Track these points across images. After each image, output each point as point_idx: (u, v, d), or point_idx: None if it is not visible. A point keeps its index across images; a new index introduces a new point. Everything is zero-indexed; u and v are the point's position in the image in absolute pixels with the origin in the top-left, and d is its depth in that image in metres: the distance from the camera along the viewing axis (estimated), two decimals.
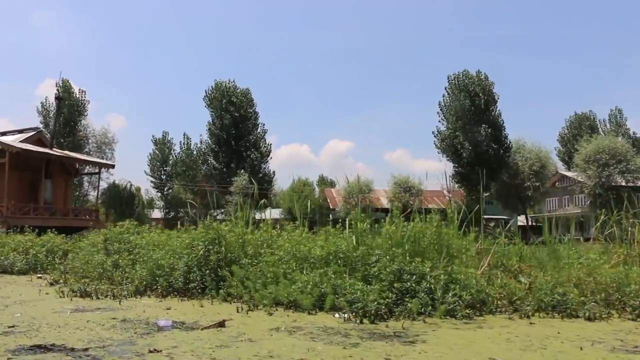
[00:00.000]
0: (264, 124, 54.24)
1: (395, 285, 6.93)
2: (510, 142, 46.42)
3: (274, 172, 53.64)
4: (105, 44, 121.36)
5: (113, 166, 40.80)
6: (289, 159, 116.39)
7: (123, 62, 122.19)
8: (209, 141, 53.71)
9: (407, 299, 6.74)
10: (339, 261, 8.05)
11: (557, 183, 52.74)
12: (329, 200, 52.65)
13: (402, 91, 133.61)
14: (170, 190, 51.92)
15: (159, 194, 53.52)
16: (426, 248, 8.27)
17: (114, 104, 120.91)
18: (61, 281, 10.53)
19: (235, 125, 52.78)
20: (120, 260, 10.06)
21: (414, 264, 7.34)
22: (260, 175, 52.52)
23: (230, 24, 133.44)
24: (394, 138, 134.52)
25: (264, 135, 54.42)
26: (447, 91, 48.48)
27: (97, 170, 40.66)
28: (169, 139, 52.93)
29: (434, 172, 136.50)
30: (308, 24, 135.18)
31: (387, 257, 7.58)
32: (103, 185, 47.35)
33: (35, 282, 11.01)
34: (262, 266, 8.15)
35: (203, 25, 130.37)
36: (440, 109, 49.39)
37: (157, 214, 54.19)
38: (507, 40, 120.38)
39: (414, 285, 6.95)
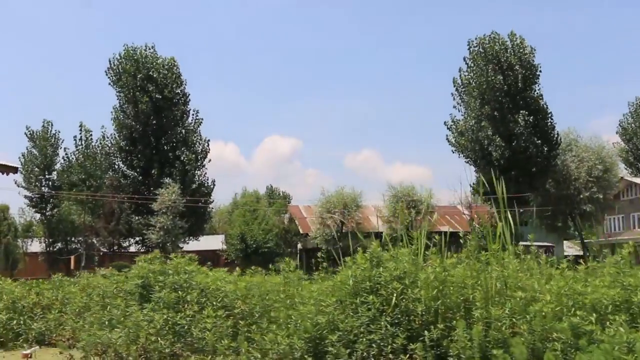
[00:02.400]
0: (197, 111, 40.32)
1: None
2: (559, 135, 34.07)
3: (213, 181, 40.18)
4: None
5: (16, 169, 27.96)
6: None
7: None
8: (117, 136, 38.90)
9: None
10: None
11: (622, 194, 40.73)
12: (297, 222, 38.75)
13: (367, 67, 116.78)
14: (56, 210, 36.34)
15: (39, 216, 37.73)
16: None
17: None
18: None
19: (157, 113, 38.61)
20: (206, 321, 7.82)
21: None
22: (195, 185, 38.22)
23: None
24: (357, 134, 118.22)
25: (199, 127, 40.53)
26: (466, 63, 36.32)
27: None
28: (53, 132, 37.44)
29: (416, 181, 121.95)
30: None
31: None
32: None
33: None
34: None
35: None
36: (457, 89, 37.73)
37: (35, 246, 38.57)
38: None
39: None
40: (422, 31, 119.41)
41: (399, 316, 6.92)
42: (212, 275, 9.73)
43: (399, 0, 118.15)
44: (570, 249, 54.04)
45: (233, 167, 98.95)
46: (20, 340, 10.10)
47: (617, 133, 55.51)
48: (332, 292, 7.83)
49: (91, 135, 39.91)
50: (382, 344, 6.66)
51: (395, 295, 7.02)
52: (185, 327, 7.99)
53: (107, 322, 8.81)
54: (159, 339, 7.80)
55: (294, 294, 8.53)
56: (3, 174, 33.08)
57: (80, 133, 39.79)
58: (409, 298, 7.04)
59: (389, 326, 6.76)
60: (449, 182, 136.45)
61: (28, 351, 8.97)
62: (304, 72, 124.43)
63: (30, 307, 10.60)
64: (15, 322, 10.33)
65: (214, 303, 8.45)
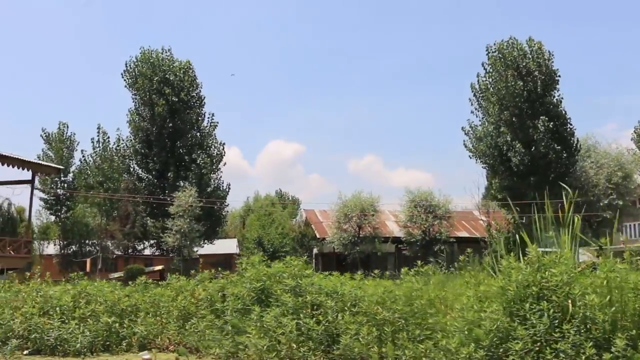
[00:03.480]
0: (212, 115, 40.28)
1: None
2: (578, 142, 33.89)
3: (228, 184, 39.94)
4: None
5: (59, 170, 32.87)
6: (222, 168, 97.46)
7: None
8: (132, 139, 38.67)
9: None
10: None
11: (638, 201, 40.53)
12: (313, 227, 38.60)
13: (370, 74, 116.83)
14: (70, 213, 36.35)
15: (53, 218, 37.72)
16: None
17: None
18: None
19: (173, 116, 38.40)
20: (349, 327, 7.64)
21: None
22: (210, 189, 38.12)
23: None
24: (360, 140, 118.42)
25: (214, 130, 40.41)
26: (485, 68, 35.82)
27: None
28: (68, 134, 37.33)
29: (419, 186, 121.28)
30: None
31: None
32: None
33: None
34: None
35: None
36: (474, 94, 37.13)
37: (51, 248, 38.52)
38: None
39: None
40: (424, 37, 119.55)
41: (578, 324, 6.51)
42: (332, 280, 9.27)
43: (402, 7, 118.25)
44: (583, 255, 53.84)
45: (236, 171, 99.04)
46: (124, 345, 9.68)
47: (631, 139, 55.36)
48: (488, 298, 7.31)
49: (108, 137, 39.92)
50: (571, 353, 6.26)
51: (570, 301, 6.64)
52: (326, 334, 7.58)
53: (230, 328, 8.47)
54: (298, 345, 7.47)
55: (434, 299, 8.13)
56: (49, 175, 33.05)
57: (98, 135, 39.94)
58: (586, 305, 6.61)
59: (572, 334, 6.34)
60: (450, 188, 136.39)
61: (147, 356, 8.67)
62: (308, 77, 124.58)
63: (130, 310, 10.25)
64: (118, 325, 9.88)
65: (351, 309, 8.01)
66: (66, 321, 9.74)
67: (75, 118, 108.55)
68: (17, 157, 28.37)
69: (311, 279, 8.96)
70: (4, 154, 27.40)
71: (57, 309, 10.02)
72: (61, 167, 34.63)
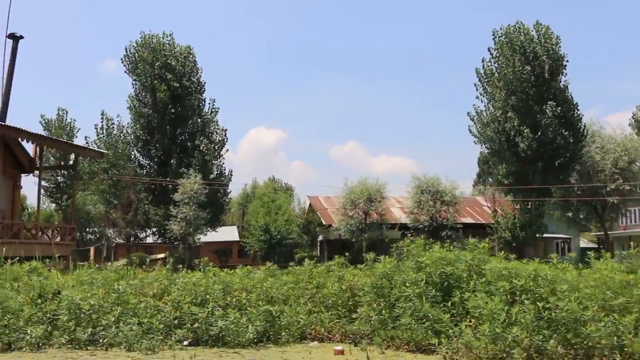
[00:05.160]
0: (213, 100, 39.80)
1: None
2: (585, 126, 34.00)
3: (231, 171, 39.56)
4: None
5: (102, 155, 30.90)
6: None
7: None
8: (134, 125, 38.03)
9: None
10: None
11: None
12: (319, 214, 38.40)
13: (353, 61, 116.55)
14: (70, 200, 35.79)
15: (54, 206, 37.16)
16: None
17: None
18: None
19: (175, 102, 37.73)
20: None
21: None
22: (213, 175, 37.68)
23: None
24: (342, 126, 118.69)
25: (215, 116, 39.89)
26: (491, 53, 35.76)
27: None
28: (68, 120, 36.72)
29: (402, 173, 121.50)
30: None
31: None
32: None
33: None
34: None
35: None
36: (480, 79, 36.94)
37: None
38: None
39: None
40: (407, 25, 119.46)
41: None
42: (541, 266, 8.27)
43: None
44: (582, 241, 54.30)
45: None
46: (283, 335, 8.90)
47: (629, 125, 55.78)
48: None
49: (113, 124, 39.26)
50: None
51: None
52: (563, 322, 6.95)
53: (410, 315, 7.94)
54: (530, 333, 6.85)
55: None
56: (92, 159, 32.63)
57: (102, 122, 39.27)
58: None
59: None
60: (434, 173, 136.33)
61: (340, 347, 8.01)
62: (289, 64, 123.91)
63: (283, 298, 9.52)
64: (280, 313, 9.05)
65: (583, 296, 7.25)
66: (219, 310, 8.85)
67: (73, 104, 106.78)
68: (63, 140, 28.08)
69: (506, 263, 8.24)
70: (52, 137, 27.25)
71: (208, 297, 9.05)
72: (105, 151, 33.53)
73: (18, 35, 23.14)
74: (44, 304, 8.85)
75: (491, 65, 38.48)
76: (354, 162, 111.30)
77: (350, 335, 8.77)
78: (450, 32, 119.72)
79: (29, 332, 8.15)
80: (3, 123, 21.77)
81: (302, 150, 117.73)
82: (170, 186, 38.85)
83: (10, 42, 23.14)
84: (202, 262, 11.30)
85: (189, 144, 40.27)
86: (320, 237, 42.65)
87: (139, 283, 9.72)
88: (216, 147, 41.60)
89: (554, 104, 35.86)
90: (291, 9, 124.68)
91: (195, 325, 8.46)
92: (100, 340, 8.27)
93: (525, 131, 35.82)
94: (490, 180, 45.99)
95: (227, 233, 49.11)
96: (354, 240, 37.11)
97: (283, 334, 8.89)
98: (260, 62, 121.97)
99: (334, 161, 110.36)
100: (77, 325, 8.40)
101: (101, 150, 32.09)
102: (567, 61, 37.09)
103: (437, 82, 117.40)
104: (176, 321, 8.62)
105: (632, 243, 18.45)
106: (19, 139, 22.90)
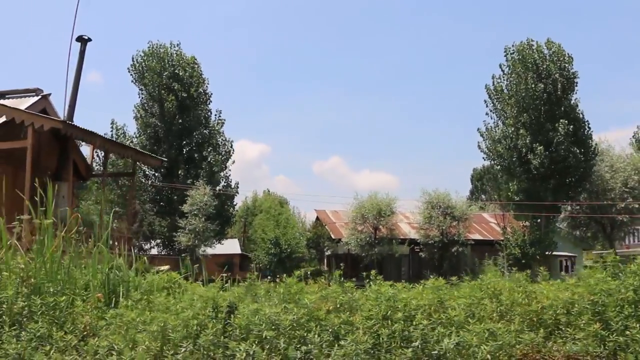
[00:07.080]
0: (220, 111, 39.41)
1: None
2: (596, 144, 34.25)
3: (237, 183, 38.96)
4: None
5: (162, 162, 28.80)
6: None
7: None
8: (141, 135, 37.56)
9: None
10: None
11: None
12: (327, 228, 38.12)
13: (336, 76, 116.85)
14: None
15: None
16: None
17: None
18: None
19: (182, 112, 37.27)
20: None
21: None
22: (220, 187, 37.33)
23: None
24: (325, 141, 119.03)
25: (222, 127, 39.62)
26: (502, 70, 35.71)
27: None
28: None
29: (385, 189, 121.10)
30: None
31: None
32: None
33: None
34: None
35: None
36: (489, 96, 36.92)
37: None
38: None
39: None
40: (391, 40, 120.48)
41: None
42: None
43: (369, 9, 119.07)
44: (585, 260, 54.59)
45: None
46: None
47: (629, 144, 56.53)
48: None
49: (123, 133, 38.70)
50: None
51: None
52: None
53: None
54: None
55: None
56: (151, 167, 31.36)
57: (112, 130, 38.71)
58: None
59: None
60: (416, 191, 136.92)
61: None
62: (275, 77, 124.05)
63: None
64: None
65: None
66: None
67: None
68: (126, 145, 27.00)
69: None
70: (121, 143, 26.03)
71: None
72: (164, 159, 31.61)
73: (86, 37, 22.58)
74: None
75: (501, 82, 38.73)
76: (337, 177, 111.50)
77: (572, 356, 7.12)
78: (434, 47, 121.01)
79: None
80: (81, 126, 20.47)
81: (285, 164, 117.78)
82: (176, 197, 38.37)
83: (77, 44, 22.51)
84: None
85: (196, 155, 39.82)
86: (329, 252, 42.33)
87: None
88: (222, 158, 41.23)
89: (566, 121, 36.06)
90: (276, 24, 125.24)
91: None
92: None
93: (539, 148, 35.92)
94: (496, 197, 46.06)
95: (230, 246, 48.56)
96: (363, 254, 36.88)
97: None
98: (245, 76, 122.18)
99: (317, 176, 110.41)
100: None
101: (162, 158, 30.35)
102: (578, 78, 37.51)
103: (422, 98, 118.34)
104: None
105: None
106: (83, 143, 21.92)
